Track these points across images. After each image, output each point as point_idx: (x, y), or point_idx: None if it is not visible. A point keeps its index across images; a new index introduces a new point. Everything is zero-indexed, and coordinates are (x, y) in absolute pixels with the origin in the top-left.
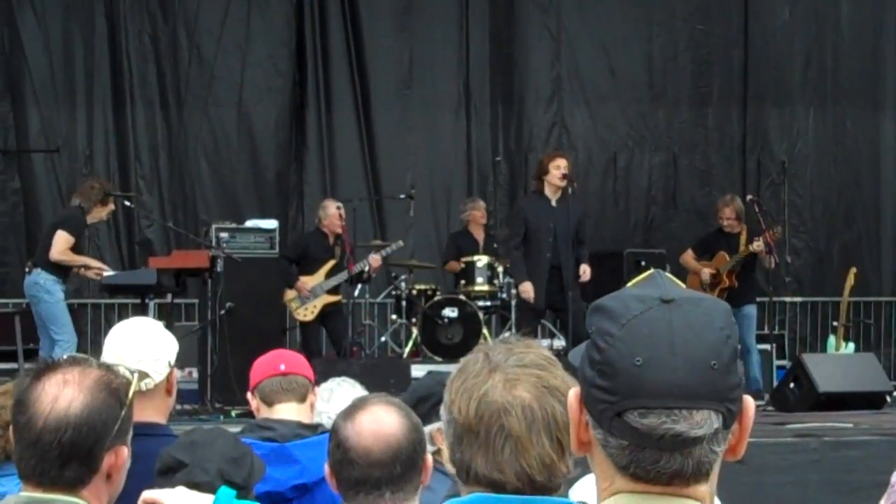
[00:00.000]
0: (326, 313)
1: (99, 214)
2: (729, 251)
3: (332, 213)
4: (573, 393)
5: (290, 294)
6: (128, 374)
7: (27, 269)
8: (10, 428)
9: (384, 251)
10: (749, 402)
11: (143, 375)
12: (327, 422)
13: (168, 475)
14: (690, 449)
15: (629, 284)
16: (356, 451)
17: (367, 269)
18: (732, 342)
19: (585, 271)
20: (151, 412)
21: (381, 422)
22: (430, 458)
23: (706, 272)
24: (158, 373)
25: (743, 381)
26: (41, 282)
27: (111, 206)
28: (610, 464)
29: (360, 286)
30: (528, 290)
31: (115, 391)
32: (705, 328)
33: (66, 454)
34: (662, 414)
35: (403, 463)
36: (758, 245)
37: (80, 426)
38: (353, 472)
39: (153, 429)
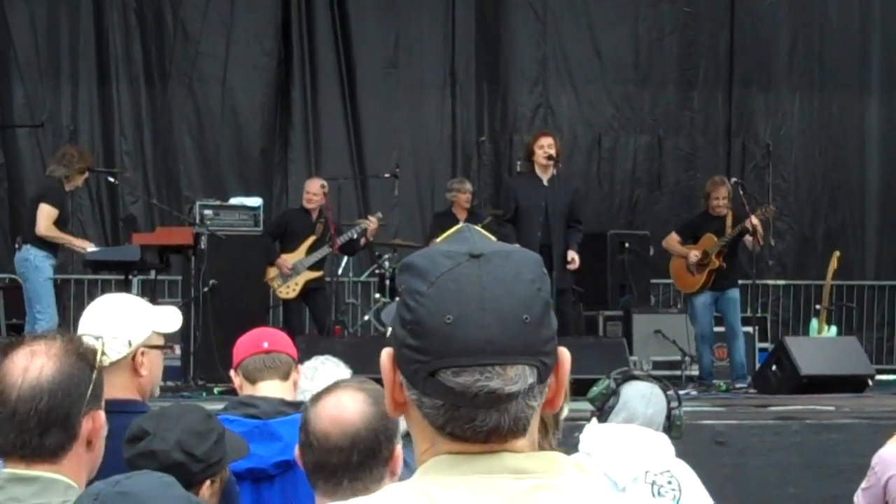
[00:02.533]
0: (308, 290)
1: (76, 182)
2: (715, 234)
3: (311, 189)
4: (385, 353)
5: (271, 272)
6: (92, 341)
7: (17, 246)
8: None
9: (376, 216)
10: (564, 353)
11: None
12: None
13: (133, 443)
14: (506, 405)
15: (438, 240)
16: (314, 435)
17: (356, 235)
18: (544, 294)
19: (573, 259)
20: (113, 390)
21: (342, 407)
22: (398, 449)
23: (694, 254)
24: (115, 350)
25: (555, 333)
26: (30, 258)
27: (87, 174)
28: (427, 424)
29: (344, 263)
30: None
31: (83, 355)
32: (515, 281)
33: (44, 421)
34: (476, 371)
35: (361, 451)
36: (750, 223)
37: (55, 391)
38: (311, 456)
39: (126, 405)
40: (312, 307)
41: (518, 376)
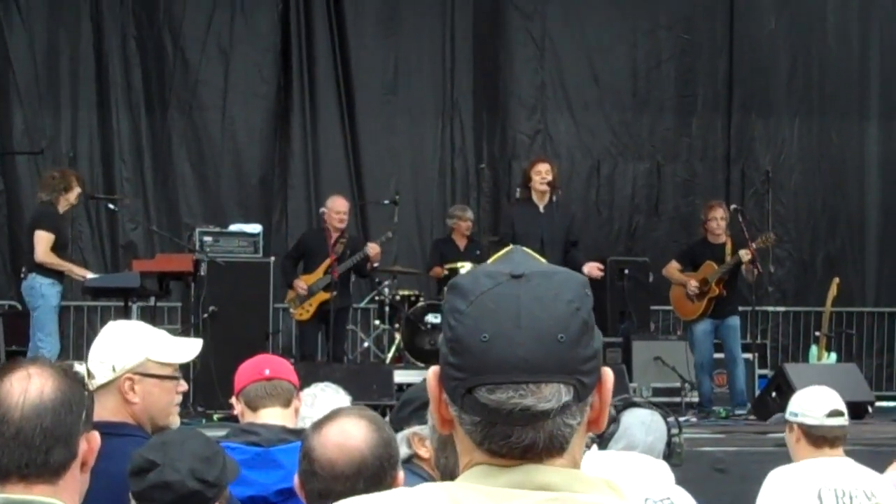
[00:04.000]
0: (325, 312)
1: (68, 201)
2: (715, 260)
3: (340, 209)
4: (432, 371)
5: (290, 294)
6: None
7: (22, 276)
8: None
9: (381, 238)
10: (607, 373)
11: (89, 374)
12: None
13: (140, 476)
14: (541, 423)
15: (489, 261)
16: (320, 463)
17: (358, 261)
18: (582, 314)
19: (597, 268)
20: (104, 412)
21: (348, 434)
22: (400, 476)
23: (693, 283)
24: (101, 375)
25: (599, 353)
26: (36, 286)
27: (77, 190)
28: (469, 441)
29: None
30: None
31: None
32: (553, 301)
33: (50, 438)
34: (510, 389)
35: (367, 479)
36: (746, 254)
37: (58, 409)
38: (316, 484)
39: (115, 427)
40: (328, 328)
41: (553, 394)
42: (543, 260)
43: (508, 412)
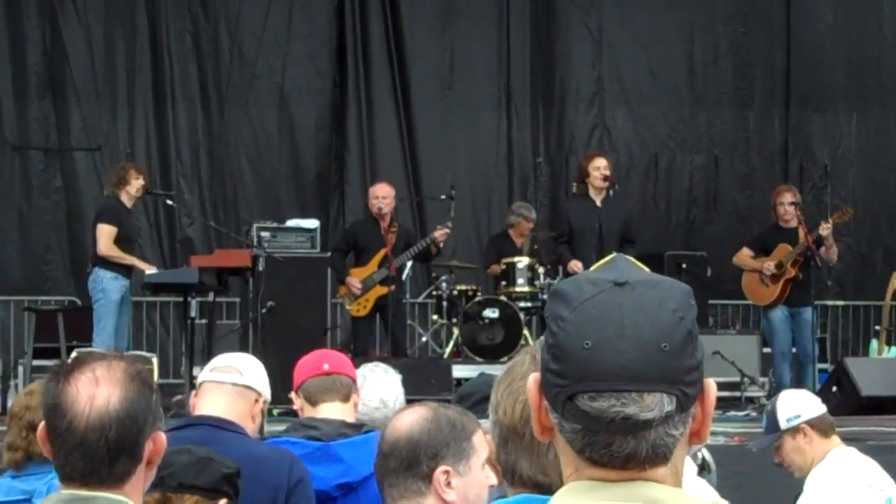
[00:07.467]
0: (382, 306)
1: (129, 194)
2: (788, 244)
3: (379, 193)
4: (532, 378)
5: (342, 290)
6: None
7: (88, 270)
8: (38, 430)
9: (448, 224)
10: (710, 385)
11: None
12: (361, 407)
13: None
14: (643, 432)
15: (592, 268)
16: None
17: (422, 248)
18: (686, 324)
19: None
20: (234, 415)
21: (400, 416)
22: (440, 472)
23: (769, 265)
24: (267, 394)
25: (702, 363)
26: (98, 280)
27: (138, 182)
28: (570, 449)
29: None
30: (576, 265)
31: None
32: (658, 310)
33: (114, 450)
34: (612, 397)
35: (397, 458)
36: (826, 228)
37: (123, 420)
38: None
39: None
40: (387, 323)
41: (655, 404)
42: (647, 269)
43: (610, 420)
